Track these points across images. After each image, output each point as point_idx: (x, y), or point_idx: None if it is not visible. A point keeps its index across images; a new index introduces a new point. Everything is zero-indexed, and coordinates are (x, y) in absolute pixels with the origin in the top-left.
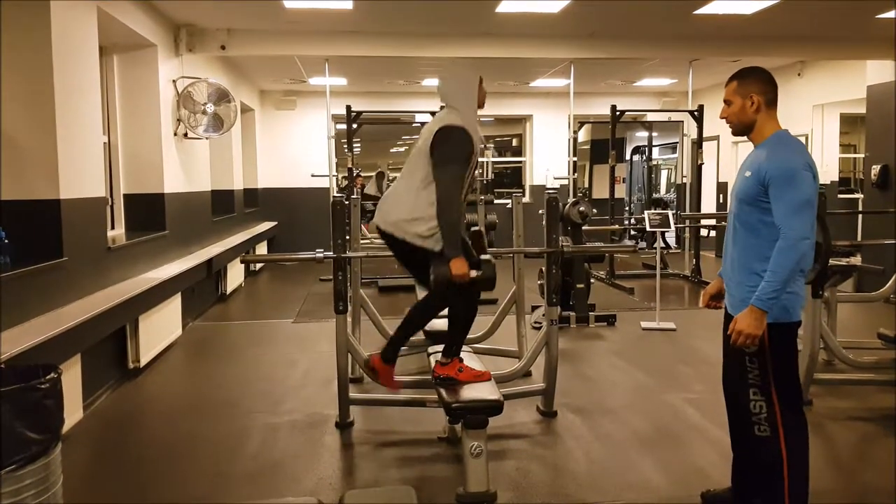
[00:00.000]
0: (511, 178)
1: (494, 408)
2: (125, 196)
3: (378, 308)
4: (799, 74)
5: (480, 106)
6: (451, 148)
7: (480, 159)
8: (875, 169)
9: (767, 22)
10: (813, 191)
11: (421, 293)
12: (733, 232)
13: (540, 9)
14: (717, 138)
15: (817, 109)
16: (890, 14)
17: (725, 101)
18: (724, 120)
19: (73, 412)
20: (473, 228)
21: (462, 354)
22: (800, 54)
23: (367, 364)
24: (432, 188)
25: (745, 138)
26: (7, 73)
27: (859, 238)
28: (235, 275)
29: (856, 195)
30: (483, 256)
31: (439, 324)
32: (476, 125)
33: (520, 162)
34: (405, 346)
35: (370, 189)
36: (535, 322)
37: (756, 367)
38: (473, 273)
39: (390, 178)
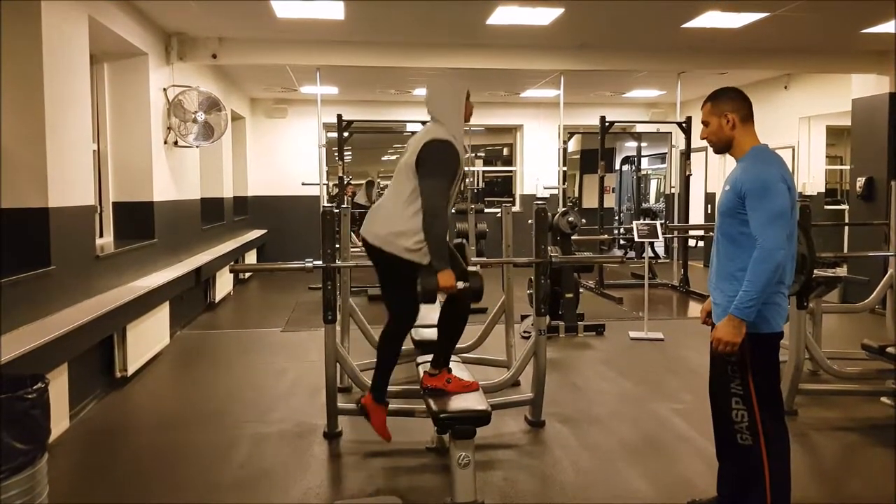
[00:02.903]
0: (501, 187)
1: (482, 418)
2: (114, 204)
3: (367, 317)
4: (785, 87)
5: (467, 120)
6: (438, 162)
7: (471, 168)
8: (860, 181)
9: (755, 35)
10: (786, 202)
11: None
12: (717, 244)
13: (530, 21)
14: (705, 149)
15: (804, 122)
16: (874, 29)
17: (703, 123)
18: (705, 140)
19: (59, 421)
20: (457, 241)
21: (451, 365)
22: (786, 67)
23: (359, 403)
24: (419, 202)
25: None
26: None
27: (845, 249)
28: (224, 283)
29: (842, 206)
30: (470, 268)
31: (428, 333)
32: (462, 138)
33: (510, 171)
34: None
35: (360, 198)
36: (525, 332)
37: (737, 377)
38: (461, 284)
39: (381, 187)
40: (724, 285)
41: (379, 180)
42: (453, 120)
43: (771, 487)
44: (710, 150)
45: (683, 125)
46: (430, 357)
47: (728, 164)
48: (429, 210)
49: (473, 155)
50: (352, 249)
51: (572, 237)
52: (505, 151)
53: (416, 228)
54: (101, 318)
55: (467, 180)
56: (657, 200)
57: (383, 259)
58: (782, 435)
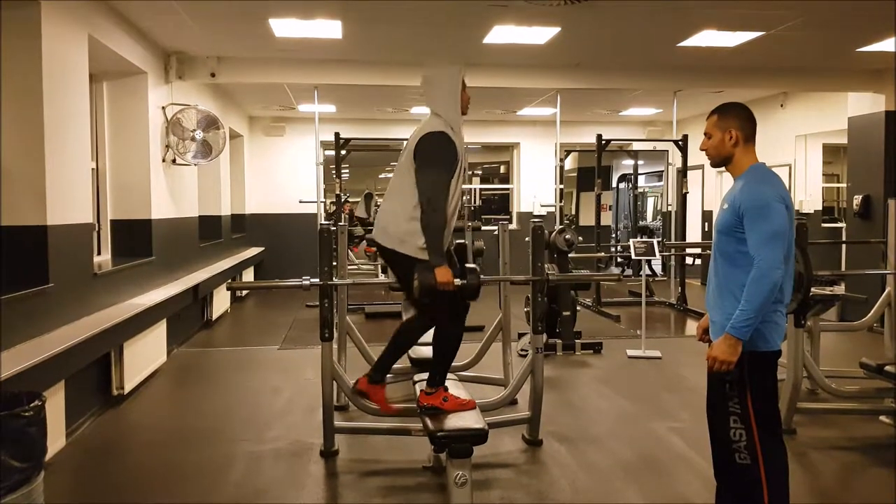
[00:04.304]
0: (498, 204)
1: (479, 436)
2: (112, 222)
3: (364, 335)
4: (782, 105)
5: (464, 111)
6: (434, 153)
7: (468, 186)
8: (857, 199)
9: (750, 54)
10: (784, 222)
11: (407, 315)
12: (714, 262)
13: (527, 40)
14: (701, 167)
15: (800, 140)
16: (871, 47)
17: (706, 134)
18: (703, 151)
19: (55, 439)
20: (458, 241)
21: (447, 383)
22: (782, 86)
23: (355, 389)
24: None
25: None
26: None
27: (843, 267)
28: (221, 301)
29: (839, 224)
30: (468, 265)
31: (425, 351)
32: (460, 129)
33: (507, 189)
34: (390, 371)
35: (360, 212)
36: (522, 350)
37: (735, 396)
38: (458, 282)
39: (377, 204)
40: (722, 303)
41: (377, 198)
42: (450, 111)
43: None
44: (707, 163)
45: (680, 143)
46: (426, 375)
47: (724, 181)
48: (426, 203)
49: (471, 173)
50: (349, 267)
51: (569, 255)
52: (502, 169)
53: None
54: (98, 335)
55: (465, 198)
56: (654, 218)
57: (398, 260)
58: (781, 454)
